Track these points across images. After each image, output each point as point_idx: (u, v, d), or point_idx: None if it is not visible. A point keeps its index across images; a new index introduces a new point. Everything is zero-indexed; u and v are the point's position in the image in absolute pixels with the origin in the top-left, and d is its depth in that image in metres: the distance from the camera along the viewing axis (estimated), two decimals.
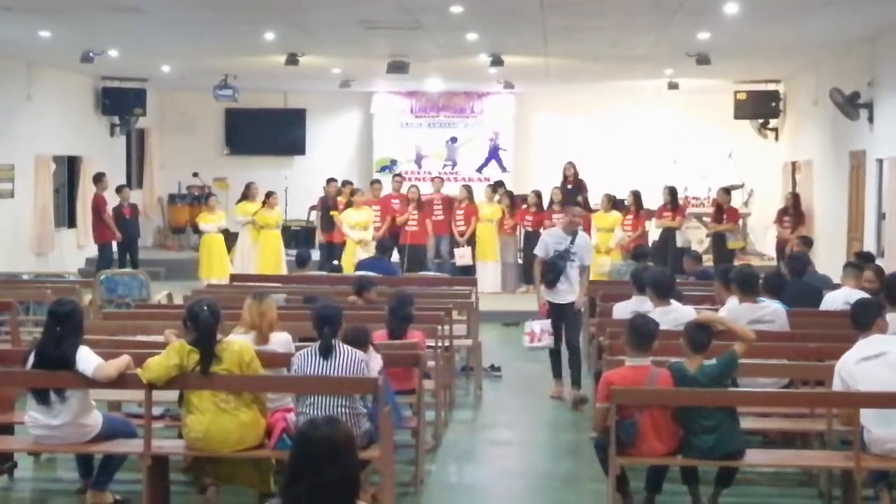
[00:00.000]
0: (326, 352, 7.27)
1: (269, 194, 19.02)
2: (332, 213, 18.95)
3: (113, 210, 18.70)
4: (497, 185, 19.94)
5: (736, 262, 16.28)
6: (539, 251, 11.36)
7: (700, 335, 7.43)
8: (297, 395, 7.34)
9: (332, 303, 7.79)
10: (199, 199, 22.21)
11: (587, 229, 18.32)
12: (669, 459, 7.27)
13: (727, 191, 19.14)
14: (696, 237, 20.55)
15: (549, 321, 11.10)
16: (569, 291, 11.11)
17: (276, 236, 18.81)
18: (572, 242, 11.12)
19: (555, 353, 11.36)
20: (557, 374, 11.48)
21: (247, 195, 19.01)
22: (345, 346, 7.40)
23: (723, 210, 18.52)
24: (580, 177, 19.92)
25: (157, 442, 7.34)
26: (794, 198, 18.70)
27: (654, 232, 19.37)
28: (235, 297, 11.09)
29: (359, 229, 18.10)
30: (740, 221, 19.68)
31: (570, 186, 19.64)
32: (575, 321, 11.34)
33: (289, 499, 3.91)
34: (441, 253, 19.03)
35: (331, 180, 19.68)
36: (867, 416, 7.05)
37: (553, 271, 11.07)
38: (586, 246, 11.47)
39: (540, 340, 11.05)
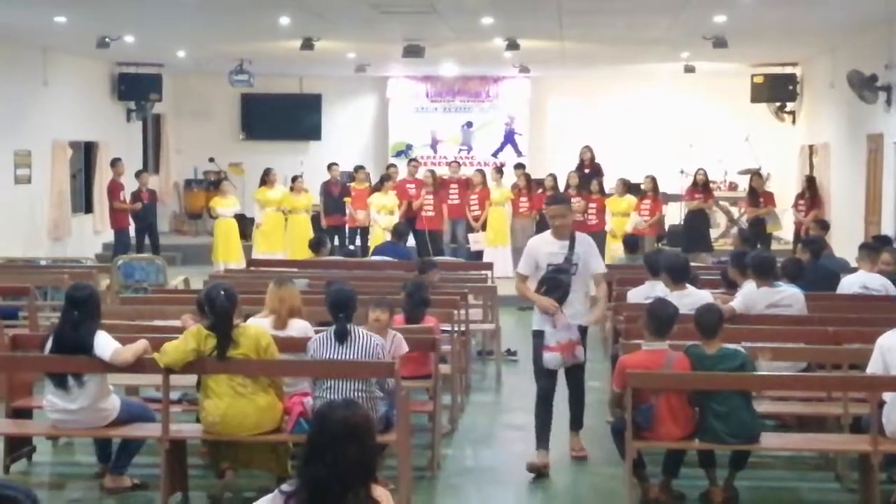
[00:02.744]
0: (342, 337, 7.28)
1: (294, 179, 19.14)
2: (346, 199, 19.00)
3: (131, 195, 18.78)
4: (517, 167, 19.92)
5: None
6: (524, 268, 8.38)
7: (710, 318, 7.40)
8: (313, 379, 7.36)
9: (346, 286, 7.77)
10: (214, 184, 22.27)
11: (600, 213, 18.42)
12: (686, 443, 7.27)
13: (760, 174, 19.15)
14: (714, 220, 20.50)
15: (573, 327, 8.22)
16: (570, 315, 8.18)
17: (305, 220, 18.86)
18: (571, 249, 8.22)
19: (545, 404, 8.36)
20: (543, 438, 8.32)
21: (265, 181, 19.04)
22: (360, 330, 7.42)
23: (758, 194, 18.52)
24: (596, 161, 19.97)
25: (175, 426, 7.39)
26: (810, 181, 18.64)
27: (671, 215, 19.37)
28: (253, 282, 11.16)
29: (385, 213, 18.14)
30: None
31: (587, 170, 19.66)
32: (580, 370, 8.44)
33: (306, 479, 3.94)
34: (457, 237, 19.04)
35: (332, 165, 19.68)
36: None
37: (555, 291, 8.17)
38: (591, 249, 8.42)
39: (575, 356, 8.22)
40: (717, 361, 7.24)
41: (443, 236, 18.93)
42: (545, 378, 8.30)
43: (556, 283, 8.15)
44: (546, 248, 8.28)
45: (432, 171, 19.48)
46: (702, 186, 18.61)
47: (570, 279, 8.15)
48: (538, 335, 8.24)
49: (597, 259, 8.45)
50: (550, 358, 8.17)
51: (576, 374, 8.41)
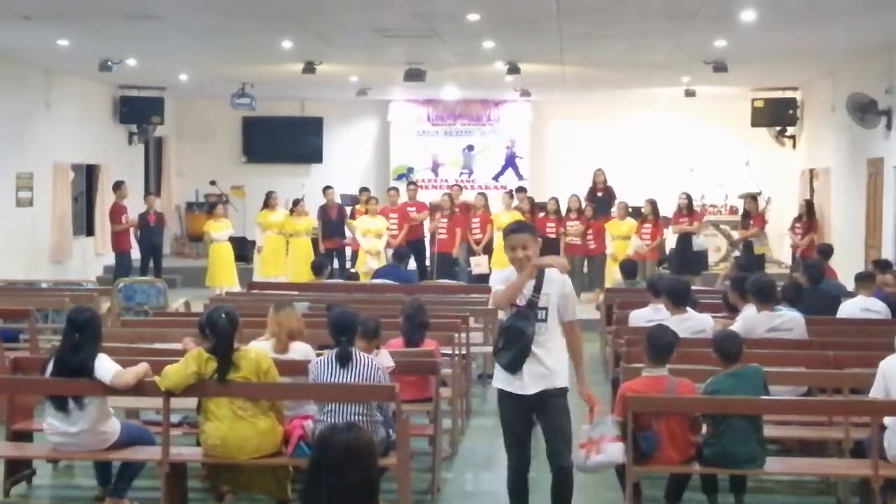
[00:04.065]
0: (344, 360, 7.28)
1: (296, 202, 19.17)
2: (348, 221, 19.04)
3: (139, 216, 18.80)
4: (519, 190, 19.94)
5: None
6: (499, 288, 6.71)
7: (734, 345, 7.39)
8: (315, 402, 7.36)
9: (348, 310, 7.78)
10: (214, 207, 22.32)
11: (598, 238, 18.42)
12: (687, 468, 7.26)
13: (754, 197, 19.24)
14: (713, 244, 20.54)
15: (611, 421, 6.96)
16: (541, 375, 6.47)
17: (306, 243, 18.87)
18: (538, 290, 6.51)
19: (518, 485, 6.78)
20: None
21: (267, 204, 19.10)
22: (362, 353, 7.42)
23: (750, 216, 18.63)
24: (609, 184, 20.04)
25: (175, 449, 7.37)
26: (808, 205, 18.71)
27: (672, 239, 19.40)
28: (254, 305, 11.15)
29: (371, 236, 18.10)
30: (766, 227, 19.71)
31: (599, 194, 19.75)
32: (560, 419, 6.56)
33: (308, 502, 3.94)
34: (457, 261, 19.03)
35: (328, 188, 19.71)
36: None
37: (511, 346, 6.48)
38: (563, 290, 6.60)
39: (599, 452, 6.86)
40: (740, 377, 7.25)
41: (455, 259, 18.90)
42: (518, 446, 6.68)
43: (515, 333, 6.46)
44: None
45: (449, 195, 19.43)
46: (686, 210, 18.70)
47: (534, 330, 6.45)
48: (503, 396, 6.64)
49: (571, 304, 6.65)
50: (581, 455, 6.82)
51: (561, 470, 6.64)
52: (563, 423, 6.56)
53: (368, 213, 18.42)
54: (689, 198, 18.91)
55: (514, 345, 6.45)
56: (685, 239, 18.68)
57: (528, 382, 6.48)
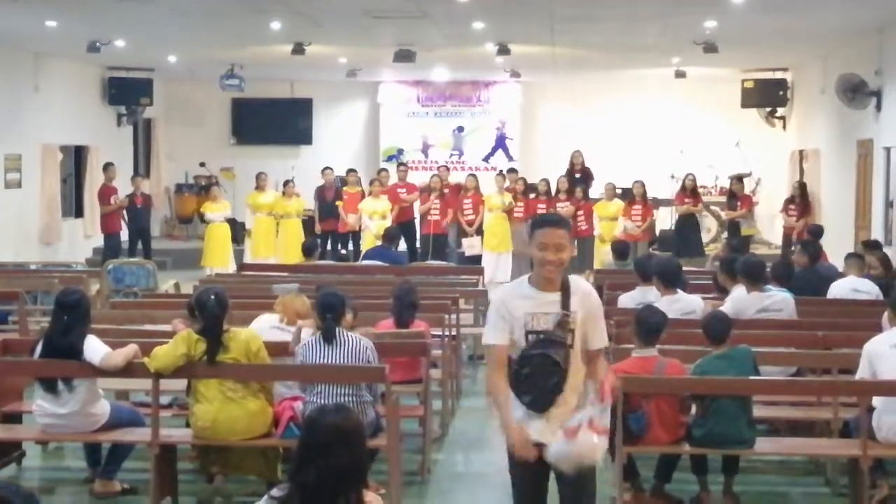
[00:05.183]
0: (329, 338, 7.28)
1: (286, 183, 19.13)
2: (337, 202, 19.01)
3: (126, 197, 18.74)
4: (510, 171, 19.90)
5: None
6: (490, 335, 5.07)
7: (721, 326, 7.41)
8: (305, 383, 7.37)
9: (337, 291, 7.78)
10: (205, 188, 22.27)
11: (588, 219, 18.40)
12: (677, 448, 7.28)
13: (740, 179, 19.25)
14: (704, 225, 20.58)
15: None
16: (568, 414, 5.01)
17: (296, 224, 18.85)
18: (566, 306, 5.01)
19: None
20: None
21: (257, 185, 19.08)
22: (348, 333, 7.42)
23: (737, 197, 18.66)
24: (587, 165, 20.03)
25: (165, 431, 7.36)
26: (801, 187, 18.71)
27: (662, 220, 19.42)
28: (244, 287, 11.14)
29: (377, 218, 18.09)
30: (754, 208, 19.76)
31: (577, 175, 19.72)
32: (587, 479, 5.18)
33: (297, 484, 3.96)
34: (449, 242, 19.02)
35: (326, 169, 19.67)
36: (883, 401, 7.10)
37: (541, 378, 4.97)
38: (592, 306, 5.12)
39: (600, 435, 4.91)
40: (728, 359, 7.28)
41: (447, 241, 18.87)
42: (529, 487, 5.30)
43: (543, 366, 4.96)
44: (525, 304, 5.05)
45: (440, 176, 19.41)
46: (690, 191, 18.70)
47: (568, 358, 5.00)
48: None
49: (600, 325, 5.17)
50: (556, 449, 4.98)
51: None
52: (588, 477, 5.19)
53: (372, 195, 18.41)
54: (694, 179, 18.90)
55: (547, 378, 4.97)
56: (687, 220, 18.64)
57: (556, 427, 4.98)
